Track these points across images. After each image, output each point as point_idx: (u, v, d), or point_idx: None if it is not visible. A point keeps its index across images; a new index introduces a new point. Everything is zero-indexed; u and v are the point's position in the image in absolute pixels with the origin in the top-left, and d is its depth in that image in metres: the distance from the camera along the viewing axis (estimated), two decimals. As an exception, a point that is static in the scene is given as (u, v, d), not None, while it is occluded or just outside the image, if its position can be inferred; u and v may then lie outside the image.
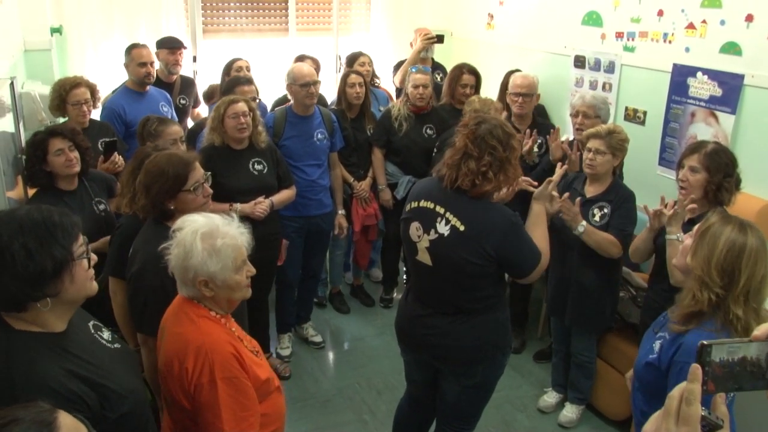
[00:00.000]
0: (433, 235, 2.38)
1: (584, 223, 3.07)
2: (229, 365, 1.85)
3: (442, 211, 2.37)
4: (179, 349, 1.87)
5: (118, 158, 3.45)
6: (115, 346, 1.78)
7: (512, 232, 2.34)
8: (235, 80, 3.92)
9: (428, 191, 2.45)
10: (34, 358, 1.49)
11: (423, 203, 2.43)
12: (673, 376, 1.96)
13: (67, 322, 1.60)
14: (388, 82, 5.23)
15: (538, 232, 2.48)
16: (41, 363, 1.49)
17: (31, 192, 3.07)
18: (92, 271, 1.62)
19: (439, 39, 5.03)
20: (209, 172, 2.51)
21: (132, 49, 4.10)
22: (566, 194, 3.05)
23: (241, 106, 3.31)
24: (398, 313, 2.71)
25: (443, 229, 2.35)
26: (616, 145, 3.14)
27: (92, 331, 1.73)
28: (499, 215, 2.35)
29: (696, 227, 2.01)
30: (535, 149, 3.75)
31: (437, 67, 5.10)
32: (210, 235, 1.89)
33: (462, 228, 2.32)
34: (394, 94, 5.09)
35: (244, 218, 3.33)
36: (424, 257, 2.42)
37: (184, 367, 1.83)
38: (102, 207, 3.07)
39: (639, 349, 2.22)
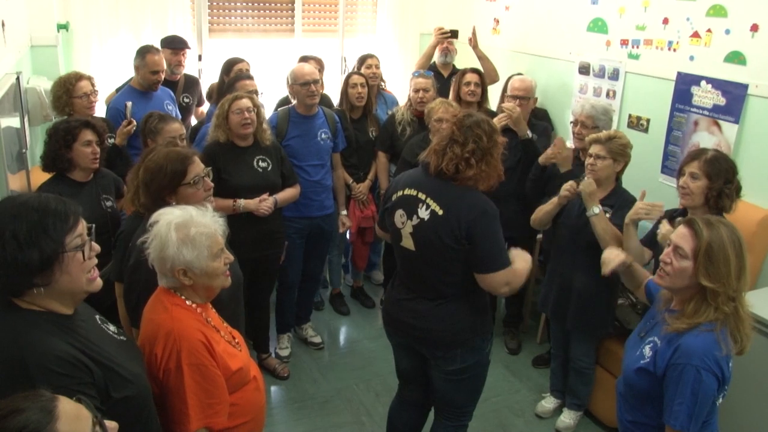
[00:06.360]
0: (415, 221, 2.48)
1: (600, 205, 3.09)
2: (197, 352, 1.87)
3: (423, 197, 2.47)
4: (150, 334, 1.91)
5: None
6: (121, 338, 1.80)
7: (484, 218, 2.40)
8: (236, 77, 3.95)
9: (412, 180, 2.55)
10: (40, 331, 1.50)
11: (407, 191, 2.53)
12: (673, 380, 1.95)
13: (73, 309, 1.60)
14: (393, 85, 5.23)
15: (518, 263, 2.51)
16: (48, 335, 1.50)
17: (38, 181, 3.07)
18: (92, 263, 1.59)
19: (453, 34, 4.98)
20: (209, 167, 2.52)
21: (146, 54, 4.03)
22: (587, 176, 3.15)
23: (245, 102, 3.34)
24: (385, 298, 2.82)
25: (424, 213, 2.45)
26: (617, 149, 3.14)
27: (99, 323, 1.75)
28: (476, 200, 2.43)
29: (672, 244, 2.01)
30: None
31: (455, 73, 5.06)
32: (184, 225, 1.91)
33: (440, 212, 2.42)
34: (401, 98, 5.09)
35: (250, 215, 3.38)
36: (407, 243, 2.53)
37: (153, 352, 1.87)
38: (109, 204, 3.09)
39: (624, 357, 2.21)
